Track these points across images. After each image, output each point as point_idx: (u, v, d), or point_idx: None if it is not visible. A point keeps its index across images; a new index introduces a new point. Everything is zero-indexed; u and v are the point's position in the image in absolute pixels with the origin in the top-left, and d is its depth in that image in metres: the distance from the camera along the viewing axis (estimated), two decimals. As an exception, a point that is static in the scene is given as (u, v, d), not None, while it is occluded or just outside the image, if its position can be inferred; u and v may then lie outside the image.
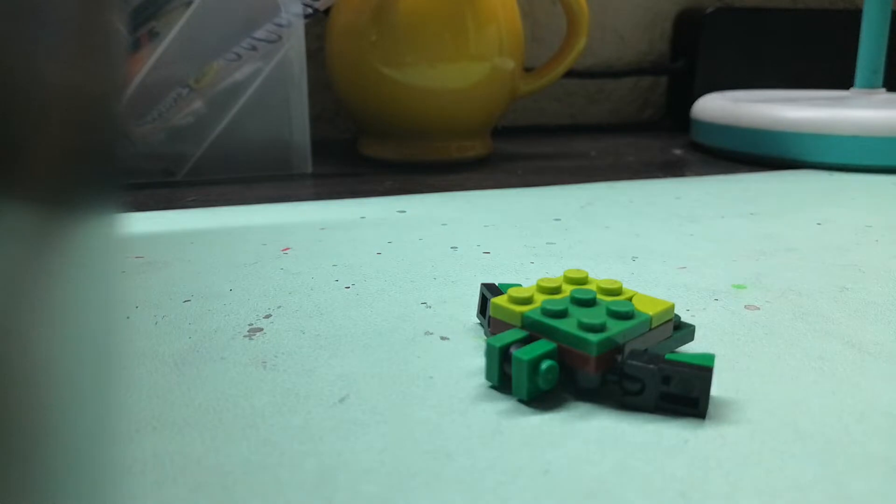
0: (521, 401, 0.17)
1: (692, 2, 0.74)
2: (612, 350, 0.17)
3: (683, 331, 0.19)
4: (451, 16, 0.45)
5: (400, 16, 0.45)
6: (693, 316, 0.23)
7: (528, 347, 0.17)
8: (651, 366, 0.16)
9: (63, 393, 0.09)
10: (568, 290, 0.20)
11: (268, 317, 0.23)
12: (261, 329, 0.22)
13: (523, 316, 0.18)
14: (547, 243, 0.30)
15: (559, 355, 0.17)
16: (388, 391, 0.18)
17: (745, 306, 0.23)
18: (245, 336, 0.21)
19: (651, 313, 0.18)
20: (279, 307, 0.23)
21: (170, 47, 0.41)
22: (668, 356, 0.17)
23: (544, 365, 0.17)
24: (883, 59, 0.53)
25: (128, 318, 0.23)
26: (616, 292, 0.19)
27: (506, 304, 0.19)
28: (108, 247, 0.10)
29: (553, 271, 0.27)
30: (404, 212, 0.36)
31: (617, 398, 0.17)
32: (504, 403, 0.17)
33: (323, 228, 0.33)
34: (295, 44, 0.44)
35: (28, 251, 0.08)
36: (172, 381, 0.18)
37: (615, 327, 0.17)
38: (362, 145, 0.52)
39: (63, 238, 0.09)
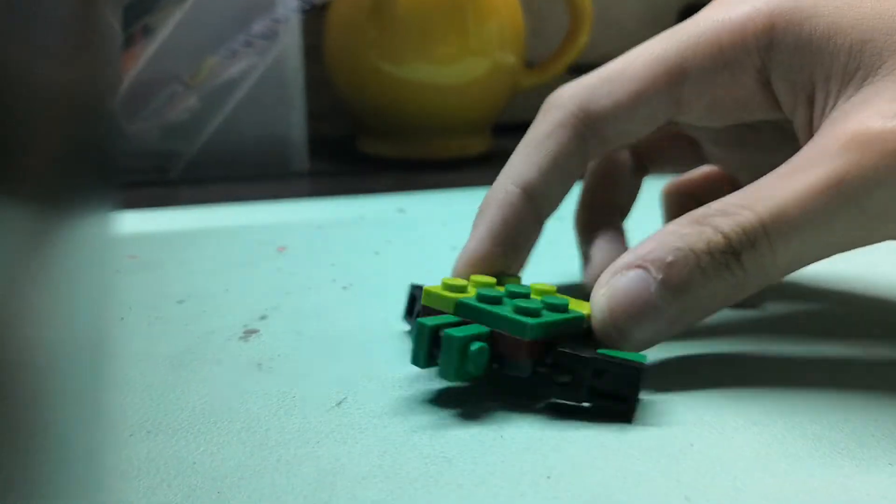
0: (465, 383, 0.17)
1: (692, -2, 0.74)
2: (546, 340, 0.17)
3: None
4: (451, 11, 0.45)
5: (399, 11, 0.45)
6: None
7: (459, 328, 0.16)
8: (583, 355, 0.16)
9: (57, 395, 0.09)
10: (502, 289, 0.19)
11: (264, 318, 0.22)
12: (257, 330, 0.21)
13: (457, 302, 0.18)
14: (548, 242, 0.30)
15: (491, 343, 0.17)
16: (386, 394, 0.17)
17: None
18: (241, 338, 0.21)
19: (586, 312, 0.18)
20: (275, 308, 0.23)
21: (164, 44, 0.41)
22: (601, 350, 0.17)
23: (474, 346, 0.16)
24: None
25: (122, 318, 0.22)
26: (550, 293, 0.19)
27: (439, 291, 0.18)
28: (102, 246, 0.10)
29: (553, 271, 0.27)
30: (403, 210, 0.36)
31: (547, 392, 0.17)
32: (505, 407, 0.17)
33: (320, 227, 0.33)
34: (291, 40, 0.43)
35: (22, 251, 0.08)
36: (167, 383, 0.18)
37: (550, 317, 0.17)
38: (360, 142, 0.52)
39: (57, 238, 0.08)
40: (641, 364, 0.16)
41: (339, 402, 0.17)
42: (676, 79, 0.19)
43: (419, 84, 0.46)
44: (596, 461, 0.15)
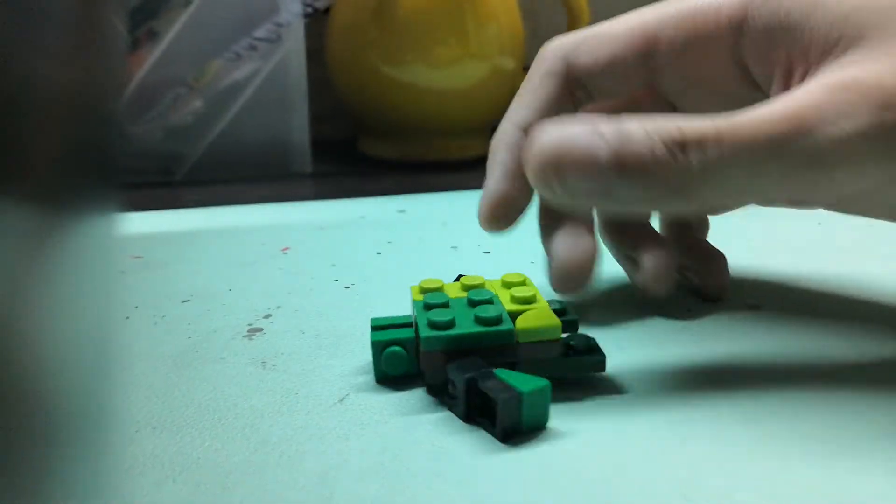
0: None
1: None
2: (452, 351, 0.17)
3: (588, 357, 0.18)
4: (452, 14, 0.45)
5: (400, 14, 0.45)
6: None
7: (387, 331, 0.18)
8: (464, 374, 0.16)
9: (62, 393, 0.09)
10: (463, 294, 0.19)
11: (267, 317, 0.22)
12: (260, 329, 0.22)
13: (414, 303, 0.19)
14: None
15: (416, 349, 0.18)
16: (388, 391, 0.18)
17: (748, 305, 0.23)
18: (244, 336, 0.21)
19: (519, 327, 0.17)
20: (279, 307, 0.23)
21: (169, 47, 0.41)
22: (500, 372, 0.16)
23: (389, 350, 0.18)
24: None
25: (127, 318, 0.22)
26: (528, 300, 0.18)
27: (415, 289, 0.19)
28: (107, 247, 0.10)
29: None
30: (404, 211, 0.36)
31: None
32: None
33: (322, 228, 0.33)
34: (294, 43, 0.44)
35: (27, 251, 0.08)
36: (172, 381, 0.18)
37: (460, 330, 0.17)
38: (362, 144, 0.52)
39: (62, 238, 0.09)
40: (520, 393, 0.15)
41: (342, 399, 0.17)
42: (651, 47, 0.20)
43: (420, 87, 0.46)
44: (593, 457, 0.15)
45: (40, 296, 0.08)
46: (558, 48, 0.22)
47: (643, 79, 0.21)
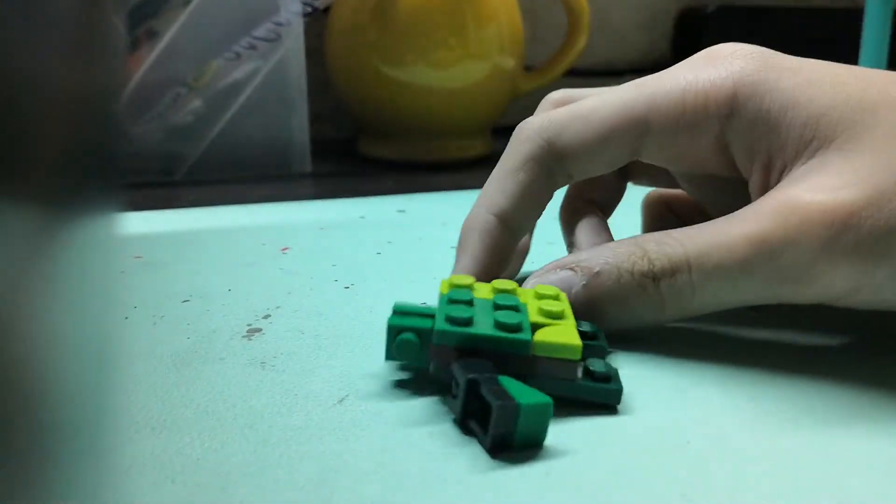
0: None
1: (693, 1, 0.74)
2: (464, 350, 0.17)
3: (603, 385, 0.17)
4: (452, 14, 0.45)
5: (400, 14, 0.45)
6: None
7: (406, 317, 0.17)
8: (467, 374, 0.16)
9: (61, 393, 0.09)
10: (527, 295, 0.19)
11: (267, 317, 0.22)
12: (260, 329, 0.21)
13: (440, 296, 0.19)
14: (547, 243, 0.30)
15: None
16: (387, 392, 0.18)
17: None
18: (244, 336, 0.21)
19: (537, 339, 0.17)
20: (278, 307, 0.23)
21: (168, 46, 0.41)
22: (505, 380, 0.16)
23: (401, 336, 0.17)
24: (885, 58, 0.53)
25: (126, 318, 0.22)
26: (556, 315, 0.18)
27: (445, 283, 0.19)
28: (107, 247, 0.10)
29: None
30: (404, 211, 0.36)
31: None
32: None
33: (322, 228, 0.33)
34: (294, 43, 0.44)
35: (26, 251, 0.08)
36: (171, 381, 0.18)
37: (478, 329, 0.17)
38: (362, 145, 0.52)
39: (62, 238, 0.09)
40: (519, 405, 0.15)
41: (341, 400, 0.17)
42: (640, 130, 0.21)
43: (420, 87, 0.46)
44: (594, 459, 0.15)
45: (40, 296, 0.08)
46: (541, 131, 0.22)
47: (629, 156, 0.21)
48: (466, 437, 0.16)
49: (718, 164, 0.21)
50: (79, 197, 0.09)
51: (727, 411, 0.17)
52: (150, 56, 0.41)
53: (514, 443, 0.15)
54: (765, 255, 0.18)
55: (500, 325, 0.17)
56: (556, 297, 0.19)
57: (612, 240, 0.24)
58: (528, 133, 0.22)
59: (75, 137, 0.09)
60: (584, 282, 0.19)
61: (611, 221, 0.26)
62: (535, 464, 0.15)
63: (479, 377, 0.16)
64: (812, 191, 0.18)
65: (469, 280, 0.19)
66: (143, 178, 0.43)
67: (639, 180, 0.27)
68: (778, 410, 0.17)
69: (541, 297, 0.19)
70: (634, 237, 0.20)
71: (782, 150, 0.19)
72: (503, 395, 0.15)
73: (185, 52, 0.41)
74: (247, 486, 0.14)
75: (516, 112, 0.65)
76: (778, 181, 0.19)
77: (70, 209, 0.09)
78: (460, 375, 0.16)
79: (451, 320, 0.17)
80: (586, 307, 0.19)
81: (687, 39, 0.71)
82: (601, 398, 0.17)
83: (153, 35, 0.41)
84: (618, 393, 0.17)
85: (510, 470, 0.15)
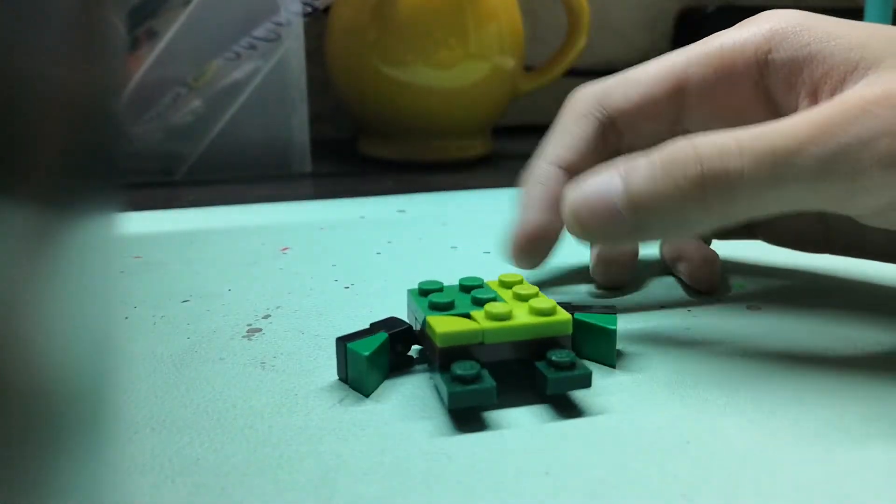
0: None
1: (693, 1, 0.74)
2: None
3: (569, 373, 0.17)
4: (452, 14, 0.45)
5: (400, 14, 0.45)
6: (692, 315, 0.22)
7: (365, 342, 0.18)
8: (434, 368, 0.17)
9: (62, 393, 0.09)
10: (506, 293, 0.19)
11: (267, 317, 0.22)
12: (260, 329, 0.21)
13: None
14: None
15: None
16: (387, 392, 0.18)
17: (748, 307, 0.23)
18: (244, 336, 0.21)
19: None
20: (278, 307, 0.23)
21: (168, 46, 0.41)
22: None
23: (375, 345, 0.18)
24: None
25: (126, 318, 0.22)
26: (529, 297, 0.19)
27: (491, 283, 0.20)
28: (107, 247, 0.10)
29: (552, 271, 0.27)
30: (404, 211, 0.36)
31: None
32: (504, 405, 0.17)
33: (322, 228, 0.33)
34: (294, 43, 0.44)
35: (27, 251, 0.08)
36: (171, 381, 0.18)
37: (460, 309, 0.18)
38: (362, 144, 0.52)
39: (62, 238, 0.09)
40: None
41: (341, 400, 0.17)
42: (681, 85, 0.22)
43: (420, 87, 0.46)
44: (594, 458, 0.15)
45: (40, 296, 0.08)
46: (590, 93, 0.23)
47: (673, 117, 0.22)
48: (466, 438, 0.16)
49: (759, 112, 0.21)
50: (79, 197, 0.09)
51: (727, 411, 0.17)
52: (150, 56, 0.41)
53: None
54: (824, 134, 0.17)
55: (475, 301, 0.18)
56: (520, 282, 0.20)
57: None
58: (580, 95, 0.23)
59: (75, 137, 0.09)
60: (626, 177, 0.18)
61: None
62: (535, 464, 0.15)
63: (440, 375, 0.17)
64: (875, 85, 0.17)
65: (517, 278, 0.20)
66: (143, 178, 0.43)
67: None
68: (778, 410, 0.17)
69: (507, 285, 0.20)
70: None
71: (828, 75, 0.19)
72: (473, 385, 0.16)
73: (185, 52, 0.41)
74: (247, 486, 0.14)
75: (516, 112, 0.65)
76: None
77: (70, 209, 0.09)
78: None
79: (434, 305, 0.18)
80: (626, 207, 0.18)
81: (687, 39, 0.71)
82: (573, 386, 0.17)
83: (153, 35, 0.41)
84: (588, 376, 0.17)
85: (510, 470, 0.15)
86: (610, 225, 0.19)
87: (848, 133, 0.17)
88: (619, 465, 0.15)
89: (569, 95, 0.24)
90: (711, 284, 0.24)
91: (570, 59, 0.51)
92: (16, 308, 0.07)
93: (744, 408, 0.17)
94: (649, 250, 0.28)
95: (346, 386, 0.18)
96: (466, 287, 0.20)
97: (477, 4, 0.46)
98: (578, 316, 0.19)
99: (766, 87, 0.21)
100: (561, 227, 0.22)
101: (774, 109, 0.21)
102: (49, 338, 0.08)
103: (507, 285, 0.20)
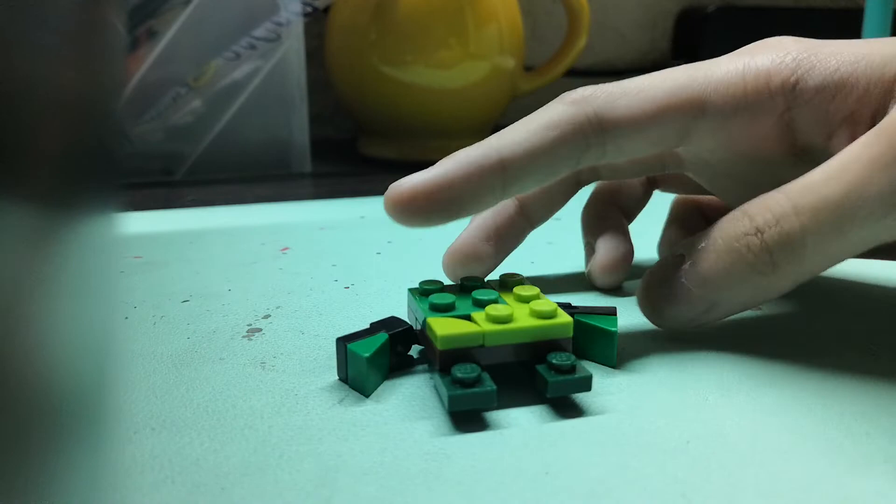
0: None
1: (693, 1, 0.74)
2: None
3: (571, 376, 0.17)
4: (452, 14, 0.45)
5: (400, 14, 0.45)
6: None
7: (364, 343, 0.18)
8: (436, 369, 0.17)
9: (62, 393, 0.09)
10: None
11: (267, 317, 0.22)
12: (259, 329, 0.21)
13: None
14: (547, 243, 0.30)
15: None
16: (386, 392, 0.18)
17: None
18: (244, 336, 0.21)
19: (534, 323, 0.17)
20: (278, 307, 0.23)
21: (168, 46, 0.41)
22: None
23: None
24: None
25: (126, 318, 0.22)
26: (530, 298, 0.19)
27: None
28: (107, 246, 0.10)
29: (552, 271, 0.27)
30: (404, 211, 0.36)
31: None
32: (504, 405, 0.17)
33: (322, 228, 0.33)
34: (294, 43, 0.44)
35: (26, 251, 0.08)
36: (171, 381, 0.18)
37: (461, 310, 0.18)
38: (362, 145, 0.52)
39: (62, 238, 0.09)
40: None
41: (341, 400, 0.17)
42: (695, 110, 0.20)
43: (419, 87, 0.46)
44: (594, 458, 0.15)
45: (40, 296, 0.08)
46: (590, 98, 0.20)
47: (675, 140, 0.20)
48: (466, 438, 0.16)
49: (777, 145, 0.20)
50: (79, 197, 0.09)
51: (727, 411, 0.17)
52: (150, 56, 0.41)
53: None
54: (879, 170, 0.16)
55: (477, 302, 0.18)
56: (521, 283, 0.20)
57: (630, 242, 0.25)
58: (576, 97, 0.20)
59: (75, 137, 0.09)
60: (690, 261, 0.19)
61: (632, 227, 0.26)
62: (534, 464, 0.15)
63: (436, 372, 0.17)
64: None
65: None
66: (144, 177, 0.43)
67: (667, 187, 0.27)
68: (778, 410, 0.17)
69: (508, 285, 0.20)
70: (738, 207, 0.19)
71: (866, 98, 0.18)
72: (472, 387, 0.16)
73: (185, 52, 0.41)
74: (246, 486, 0.14)
75: (516, 112, 0.65)
76: (873, 125, 0.18)
77: (70, 209, 0.09)
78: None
79: (434, 305, 0.18)
80: (699, 287, 0.19)
81: (687, 39, 0.71)
82: (573, 389, 0.17)
83: (153, 35, 0.41)
84: (588, 380, 0.17)
85: (509, 470, 0.15)
86: (685, 307, 0.19)
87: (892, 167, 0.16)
88: (619, 465, 0.15)
89: (562, 94, 0.21)
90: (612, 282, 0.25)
91: (570, 59, 0.51)
92: (16, 308, 0.07)
93: (744, 408, 0.17)
94: (649, 251, 0.28)
95: (346, 386, 0.18)
96: (467, 287, 0.20)
97: (477, 4, 0.46)
98: (579, 317, 0.19)
99: (791, 118, 0.19)
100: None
101: (793, 140, 0.20)
102: (49, 338, 0.08)
103: (508, 285, 0.20)
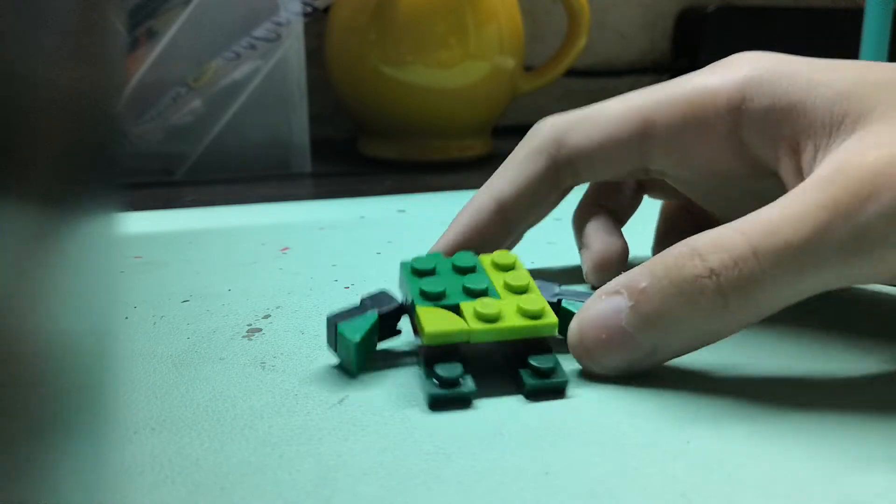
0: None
1: (694, 1, 0.74)
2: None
3: (548, 381, 0.17)
4: (451, 14, 0.45)
5: (400, 14, 0.45)
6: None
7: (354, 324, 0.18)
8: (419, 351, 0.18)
9: (62, 393, 0.09)
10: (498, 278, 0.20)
11: (267, 317, 0.22)
12: (259, 329, 0.21)
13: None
14: (547, 243, 0.30)
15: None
16: (387, 392, 0.18)
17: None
18: (244, 336, 0.21)
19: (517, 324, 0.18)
20: (278, 307, 0.23)
21: (168, 46, 0.41)
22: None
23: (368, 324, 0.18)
24: (885, 58, 0.53)
25: (126, 318, 0.22)
26: (522, 290, 0.19)
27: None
28: (107, 246, 0.10)
29: (552, 271, 0.27)
30: (404, 211, 0.36)
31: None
32: (504, 404, 0.17)
33: (322, 228, 0.33)
34: (294, 43, 0.44)
35: (27, 251, 0.08)
36: (171, 381, 0.18)
37: (451, 299, 0.18)
38: (362, 145, 0.52)
39: (62, 238, 0.09)
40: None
41: (341, 400, 0.17)
42: (647, 128, 0.21)
43: (419, 87, 0.46)
44: (594, 458, 0.15)
45: (40, 295, 0.08)
46: (551, 127, 0.22)
47: (636, 161, 0.21)
48: (465, 437, 0.16)
49: (732, 161, 0.20)
50: (79, 197, 0.09)
51: (727, 411, 0.17)
52: (150, 56, 0.41)
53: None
54: (840, 217, 0.16)
55: (468, 291, 0.19)
56: (513, 266, 0.20)
57: (623, 240, 0.24)
58: (541, 128, 0.23)
59: (75, 137, 0.09)
60: (631, 303, 0.17)
61: (624, 230, 0.26)
62: (534, 464, 0.15)
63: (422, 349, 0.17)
64: (874, 147, 0.16)
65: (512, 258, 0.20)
66: (144, 177, 0.43)
67: (656, 193, 0.27)
68: (778, 410, 0.17)
69: (501, 267, 0.20)
70: (683, 241, 0.17)
71: (811, 129, 0.18)
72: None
73: (185, 52, 0.41)
74: (246, 485, 0.14)
75: (516, 112, 0.65)
76: (814, 160, 0.18)
77: (70, 209, 0.09)
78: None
79: (425, 293, 0.18)
80: (641, 331, 0.17)
81: (687, 39, 0.71)
82: (549, 393, 0.17)
83: (153, 35, 0.41)
84: (563, 385, 0.17)
85: (509, 470, 0.15)
86: (625, 352, 0.17)
87: (866, 211, 0.16)
88: (619, 465, 0.15)
89: (534, 126, 0.23)
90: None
91: (570, 59, 0.51)
92: (16, 308, 0.07)
93: (743, 408, 0.17)
94: (647, 250, 0.28)
95: (347, 386, 0.18)
96: (460, 269, 0.20)
97: (477, 4, 0.46)
98: (566, 304, 0.19)
99: (741, 137, 0.19)
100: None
101: (748, 156, 0.20)
102: (49, 337, 0.08)
103: (500, 268, 0.20)
